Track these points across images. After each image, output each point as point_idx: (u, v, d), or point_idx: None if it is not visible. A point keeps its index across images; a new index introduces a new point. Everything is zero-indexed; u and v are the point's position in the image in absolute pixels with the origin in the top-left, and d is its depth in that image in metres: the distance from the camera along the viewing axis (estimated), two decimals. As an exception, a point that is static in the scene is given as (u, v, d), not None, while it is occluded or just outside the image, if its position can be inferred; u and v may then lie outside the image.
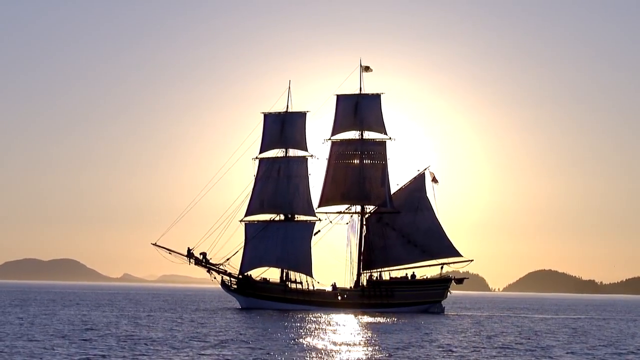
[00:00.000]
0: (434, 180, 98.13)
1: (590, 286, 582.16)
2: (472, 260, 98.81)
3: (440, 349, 48.47)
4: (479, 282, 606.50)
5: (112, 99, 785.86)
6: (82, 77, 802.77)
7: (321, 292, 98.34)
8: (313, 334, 57.34)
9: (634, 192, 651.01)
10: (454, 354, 45.96)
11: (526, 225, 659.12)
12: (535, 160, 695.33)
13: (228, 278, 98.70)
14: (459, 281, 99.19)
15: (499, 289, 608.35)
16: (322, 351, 45.41)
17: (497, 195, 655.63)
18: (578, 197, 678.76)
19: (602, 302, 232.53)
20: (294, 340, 51.65)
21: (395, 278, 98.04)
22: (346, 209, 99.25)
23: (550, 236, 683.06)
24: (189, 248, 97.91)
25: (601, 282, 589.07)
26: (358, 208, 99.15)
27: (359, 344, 50.69)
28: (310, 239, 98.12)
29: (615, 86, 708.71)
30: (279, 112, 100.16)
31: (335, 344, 49.99)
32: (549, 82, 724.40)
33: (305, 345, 48.25)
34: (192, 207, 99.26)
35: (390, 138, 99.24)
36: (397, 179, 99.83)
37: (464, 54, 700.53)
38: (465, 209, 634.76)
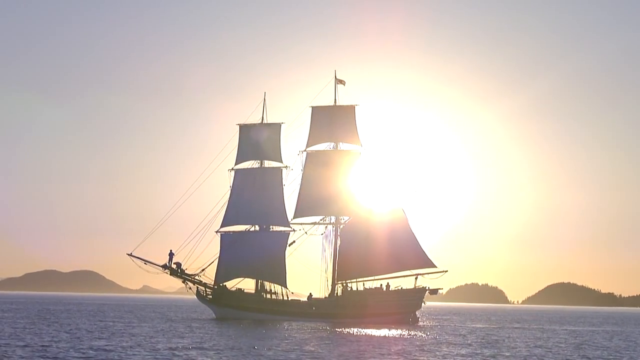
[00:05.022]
0: (414, 190, 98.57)
1: (610, 299, 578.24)
2: (446, 271, 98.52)
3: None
4: (498, 295, 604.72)
5: (125, 111, 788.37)
6: (100, 84, 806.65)
7: (295, 303, 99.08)
8: (287, 344, 57.76)
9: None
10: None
11: (546, 238, 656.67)
12: (555, 173, 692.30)
13: (203, 288, 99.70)
14: (434, 292, 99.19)
15: (518, 302, 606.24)
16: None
17: (514, 208, 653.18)
18: (597, 210, 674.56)
19: (606, 315, 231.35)
20: (265, 349, 52.13)
21: (370, 288, 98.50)
22: (321, 220, 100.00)
23: (570, 249, 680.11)
24: (170, 251, 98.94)
25: (620, 295, 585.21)
26: (333, 219, 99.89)
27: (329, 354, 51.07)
28: (285, 249, 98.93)
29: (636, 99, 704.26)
30: (255, 124, 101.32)
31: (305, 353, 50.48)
32: (561, 91, 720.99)
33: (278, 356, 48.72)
34: (167, 218, 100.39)
35: (364, 149, 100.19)
36: (373, 189, 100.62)
37: (445, 66, 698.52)
38: (483, 222, 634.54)
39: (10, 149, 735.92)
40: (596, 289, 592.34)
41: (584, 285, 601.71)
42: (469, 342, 66.48)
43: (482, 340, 68.87)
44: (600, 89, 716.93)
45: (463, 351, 56.02)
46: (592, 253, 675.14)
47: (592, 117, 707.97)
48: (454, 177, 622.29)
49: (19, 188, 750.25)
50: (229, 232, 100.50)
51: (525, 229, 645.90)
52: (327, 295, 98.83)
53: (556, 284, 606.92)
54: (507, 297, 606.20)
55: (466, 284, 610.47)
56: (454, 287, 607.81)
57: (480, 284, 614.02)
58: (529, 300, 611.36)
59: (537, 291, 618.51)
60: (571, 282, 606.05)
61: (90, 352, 48.44)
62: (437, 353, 53.69)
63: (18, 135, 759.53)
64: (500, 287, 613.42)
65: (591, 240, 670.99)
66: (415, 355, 51.23)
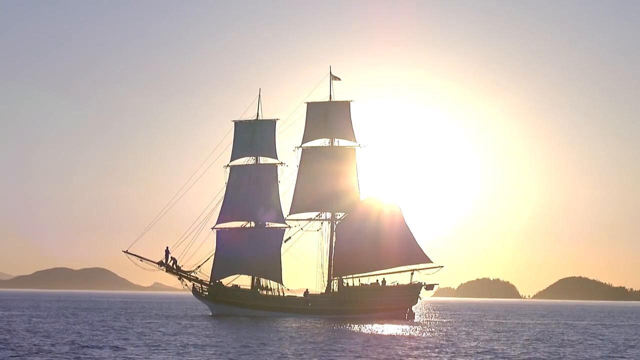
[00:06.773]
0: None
1: (621, 293, 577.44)
2: (442, 267, 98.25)
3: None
4: (510, 289, 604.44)
5: (130, 105, 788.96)
6: (107, 82, 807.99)
7: (291, 299, 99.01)
8: (284, 340, 57.64)
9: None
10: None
11: (557, 233, 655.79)
12: (563, 167, 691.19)
13: (199, 285, 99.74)
14: (430, 287, 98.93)
15: (529, 296, 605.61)
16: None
17: (524, 202, 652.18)
18: (607, 204, 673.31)
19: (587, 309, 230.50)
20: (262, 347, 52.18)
21: (366, 284, 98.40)
22: (317, 216, 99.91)
23: (580, 243, 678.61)
24: (167, 247, 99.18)
25: (631, 289, 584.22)
26: (328, 215, 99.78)
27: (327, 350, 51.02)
28: (280, 245, 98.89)
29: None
30: (250, 120, 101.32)
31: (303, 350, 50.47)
32: (568, 86, 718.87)
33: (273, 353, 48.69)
34: (163, 215, 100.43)
35: (359, 145, 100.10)
36: (369, 185, 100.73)
37: (449, 61, 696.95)
38: (494, 217, 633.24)
39: (19, 148, 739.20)
40: (607, 283, 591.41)
41: (595, 279, 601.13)
42: (453, 339, 66.40)
43: (464, 337, 68.79)
44: (605, 83, 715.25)
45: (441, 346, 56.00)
46: (603, 247, 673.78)
47: (597, 110, 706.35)
48: (461, 172, 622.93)
49: (29, 186, 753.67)
50: (225, 228, 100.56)
51: (535, 224, 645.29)
52: (323, 292, 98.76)
53: (567, 278, 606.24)
54: (518, 292, 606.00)
55: (477, 279, 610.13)
56: (465, 282, 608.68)
57: (491, 279, 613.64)
58: (540, 294, 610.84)
59: (548, 285, 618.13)
60: (582, 276, 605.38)
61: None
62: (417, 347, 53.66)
63: (26, 135, 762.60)
64: (511, 281, 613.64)
65: (602, 234, 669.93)
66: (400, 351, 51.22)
